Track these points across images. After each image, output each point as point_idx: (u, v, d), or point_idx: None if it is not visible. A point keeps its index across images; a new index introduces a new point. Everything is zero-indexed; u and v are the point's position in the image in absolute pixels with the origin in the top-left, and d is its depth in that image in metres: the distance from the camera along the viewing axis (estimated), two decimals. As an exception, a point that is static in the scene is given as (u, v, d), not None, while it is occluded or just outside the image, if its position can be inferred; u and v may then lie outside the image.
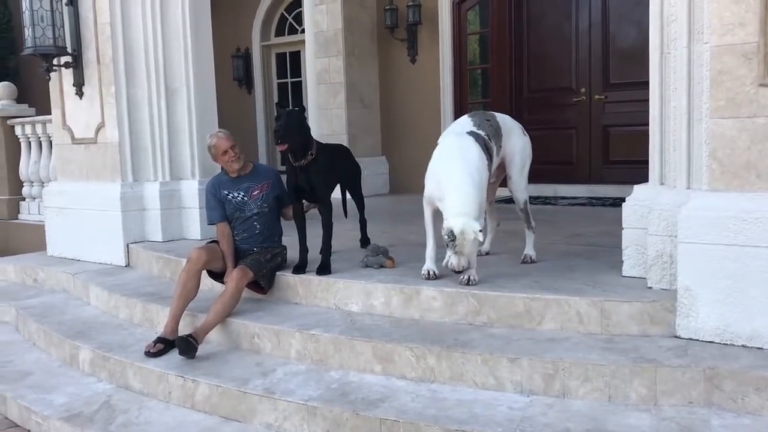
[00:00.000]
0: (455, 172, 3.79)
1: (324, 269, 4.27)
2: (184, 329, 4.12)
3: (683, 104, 3.45)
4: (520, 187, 4.32)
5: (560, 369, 3.12)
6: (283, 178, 4.51)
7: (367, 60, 9.08)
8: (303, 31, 11.65)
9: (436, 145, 4.04)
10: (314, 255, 4.38)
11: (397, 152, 9.27)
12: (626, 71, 7.63)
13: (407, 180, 9.01)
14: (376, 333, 3.63)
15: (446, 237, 3.70)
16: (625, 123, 7.68)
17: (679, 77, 3.48)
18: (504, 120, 4.25)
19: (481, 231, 3.69)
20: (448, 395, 3.21)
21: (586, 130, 7.97)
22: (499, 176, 4.37)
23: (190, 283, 4.14)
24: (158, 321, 4.46)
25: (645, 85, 7.41)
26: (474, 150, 3.86)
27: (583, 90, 7.93)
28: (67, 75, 6.13)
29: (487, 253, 4.53)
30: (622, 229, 3.84)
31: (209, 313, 4.00)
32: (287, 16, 11.52)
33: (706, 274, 3.19)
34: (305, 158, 4.25)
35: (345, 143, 8.85)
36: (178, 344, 3.80)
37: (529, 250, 4.40)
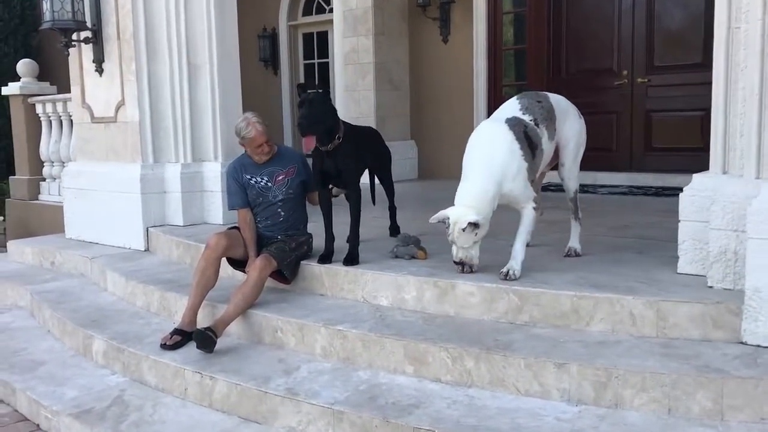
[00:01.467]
0: (473, 166, 3.59)
1: (351, 259, 3.99)
2: (202, 320, 3.89)
3: (755, 83, 3.08)
4: (572, 174, 4.02)
5: (613, 376, 2.81)
6: (309, 161, 4.24)
7: (398, 40, 8.74)
8: (332, 10, 11.37)
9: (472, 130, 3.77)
10: (341, 244, 4.11)
11: (427, 136, 8.94)
12: (671, 53, 7.21)
13: (437, 165, 8.70)
14: (408, 330, 3.35)
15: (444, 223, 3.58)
16: (669, 108, 7.27)
17: (750, 53, 3.12)
18: (558, 101, 3.93)
19: (477, 224, 3.45)
20: (488, 402, 2.92)
21: (627, 115, 7.57)
22: (552, 163, 4.03)
23: (209, 271, 3.89)
24: (176, 310, 4.22)
25: (691, 68, 7.19)
26: (504, 141, 3.56)
27: (625, 72, 7.52)
28: (87, 51, 5.90)
29: (527, 245, 4.21)
30: (679, 221, 3.51)
31: (229, 305, 3.74)
32: (315, -5, 11.21)
33: (779, 275, 2.86)
34: (332, 142, 3.96)
35: (373, 126, 8.59)
36: (195, 337, 3.55)
37: (574, 243, 4.08)
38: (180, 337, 3.75)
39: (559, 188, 4.19)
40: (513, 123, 3.61)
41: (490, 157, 3.54)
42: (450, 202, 3.57)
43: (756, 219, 2.90)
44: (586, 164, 7.54)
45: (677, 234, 4.63)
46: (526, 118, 3.68)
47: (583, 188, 7.34)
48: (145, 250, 5.59)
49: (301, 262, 4.12)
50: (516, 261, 3.56)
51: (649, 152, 7.49)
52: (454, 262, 3.66)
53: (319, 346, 3.51)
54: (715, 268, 3.23)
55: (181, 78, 5.64)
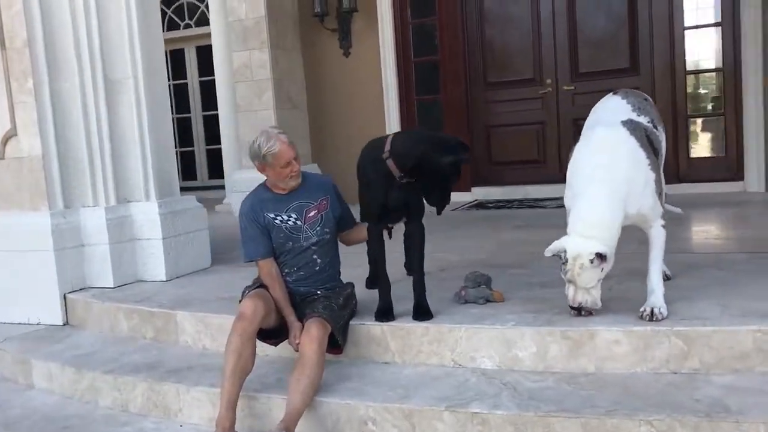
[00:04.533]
0: (589, 183, 2.89)
1: (424, 312, 3.11)
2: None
3: None
4: (662, 186, 3.46)
5: None
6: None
7: (293, 53, 7.82)
8: (186, 26, 10.23)
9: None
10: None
11: (331, 159, 8.03)
12: (597, 59, 7.02)
13: (345, 191, 7.84)
14: (571, 401, 2.56)
15: (559, 257, 2.85)
16: (598, 115, 7.06)
17: None
18: (651, 101, 3.37)
19: (604, 256, 2.76)
20: (732, 487, 2.22)
21: (554, 125, 7.27)
22: None
23: (246, 351, 2.83)
24: (180, 407, 3.09)
25: (618, 73, 7.04)
26: (626, 149, 2.91)
27: (548, 81, 7.22)
28: (-50, 67, 4.41)
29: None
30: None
31: (292, 395, 2.71)
32: (166, 10, 9.95)
33: None
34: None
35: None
36: (279, 452, 2.47)
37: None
38: (225, 449, 2.65)
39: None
40: (632, 127, 2.97)
41: (611, 170, 2.86)
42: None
43: None
44: (515, 178, 7.33)
45: (710, 243, 4.33)
46: (643, 120, 3.08)
47: (520, 202, 6.99)
48: (64, 324, 4.22)
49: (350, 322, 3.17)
50: (657, 296, 2.90)
51: (580, 162, 7.23)
52: (571, 307, 2.92)
53: (442, 437, 2.61)
54: None
55: (97, 97, 4.37)
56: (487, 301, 3.28)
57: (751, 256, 3.80)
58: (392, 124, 7.72)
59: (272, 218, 3.11)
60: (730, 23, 6.48)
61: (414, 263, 3.19)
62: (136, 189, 4.49)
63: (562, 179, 7.12)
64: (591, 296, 2.87)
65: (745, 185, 6.49)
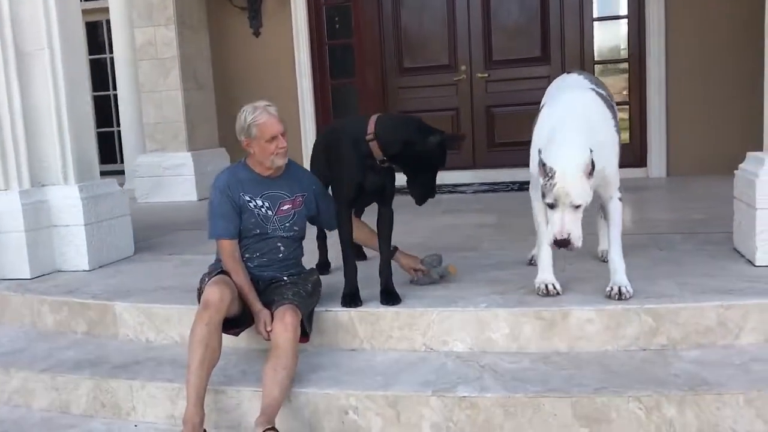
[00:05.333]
0: (565, 129, 2.75)
1: (392, 296, 3.04)
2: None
3: None
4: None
5: None
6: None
7: (201, 31, 7.45)
8: None
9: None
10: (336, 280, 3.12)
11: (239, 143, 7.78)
12: (510, 48, 7.15)
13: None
14: (555, 381, 2.56)
15: (544, 174, 2.65)
16: (510, 103, 7.19)
17: None
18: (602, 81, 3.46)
19: (594, 163, 2.61)
20: (718, 457, 2.30)
21: (468, 112, 7.34)
22: None
23: (213, 342, 2.64)
24: (132, 405, 2.87)
25: (531, 61, 7.22)
26: (597, 107, 2.95)
27: (463, 68, 7.28)
28: None
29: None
30: (756, 210, 3.24)
31: (269, 387, 2.56)
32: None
33: None
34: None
35: (183, 132, 7.27)
36: (268, 448, 2.32)
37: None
38: (197, 449, 2.47)
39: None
40: (597, 92, 3.04)
41: (584, 122, 2.79)
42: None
43: None
44: (430, 164, 7.33)
45: (640, 225, 4.52)
46: (603, 93, 3.14)
47: (437, 188, 7.00)
48: (-29, 320, 3.82)
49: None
50: (620, 274, 2.95)
51: (493, 148, 7.35)
52: (556, 242, 2.66)
53: (428, 423, 2.54)
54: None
55: (7, 71, 3.96)
56: (441, 276, 3.27)
57: (684, 237, 3.98)
58: (306, 107, 7.56)
59: (247, 200, 2.93)
60: (635, 16, 6.78)
61: (383, 247, 3.11)
62: (53, 171, 4.13)
63: (475, 165, 7.35)
64: (577, 226, 2.64)
65: (648, 171, 6.82)
